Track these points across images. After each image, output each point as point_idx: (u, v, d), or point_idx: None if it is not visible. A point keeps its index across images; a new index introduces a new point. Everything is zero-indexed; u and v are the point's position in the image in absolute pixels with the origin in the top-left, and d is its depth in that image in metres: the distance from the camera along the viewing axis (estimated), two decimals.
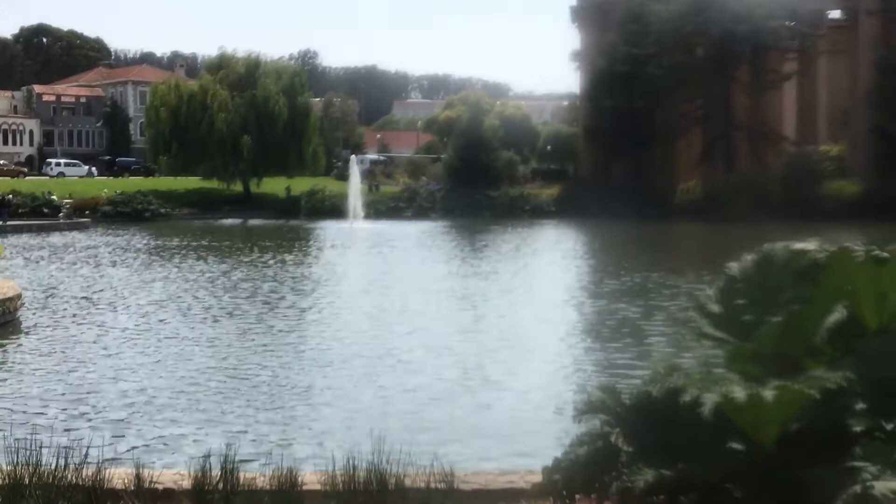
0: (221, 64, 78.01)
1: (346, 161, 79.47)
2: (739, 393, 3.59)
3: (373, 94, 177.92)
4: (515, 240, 49.00)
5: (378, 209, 66.99)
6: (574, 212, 65.12)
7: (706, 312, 4.51)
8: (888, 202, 56.80)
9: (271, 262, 34.96)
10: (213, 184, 74.43)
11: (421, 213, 69.15)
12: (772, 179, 65.79)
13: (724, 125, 71.01)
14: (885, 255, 4.16)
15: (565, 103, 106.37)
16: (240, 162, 71.80)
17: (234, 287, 26.95)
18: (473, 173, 71.53)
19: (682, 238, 54.86)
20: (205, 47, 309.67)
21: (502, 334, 19.36)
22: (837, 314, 4.30)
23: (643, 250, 42.81)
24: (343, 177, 75.46)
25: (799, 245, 4.46)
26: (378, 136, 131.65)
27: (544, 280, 31.65)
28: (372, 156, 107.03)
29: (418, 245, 44.89)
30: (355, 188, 65.29)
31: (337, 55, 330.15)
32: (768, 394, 3.56)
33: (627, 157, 72.50)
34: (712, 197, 65.52)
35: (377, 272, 32.89)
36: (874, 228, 41.93)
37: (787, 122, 75.54)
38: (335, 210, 65.83)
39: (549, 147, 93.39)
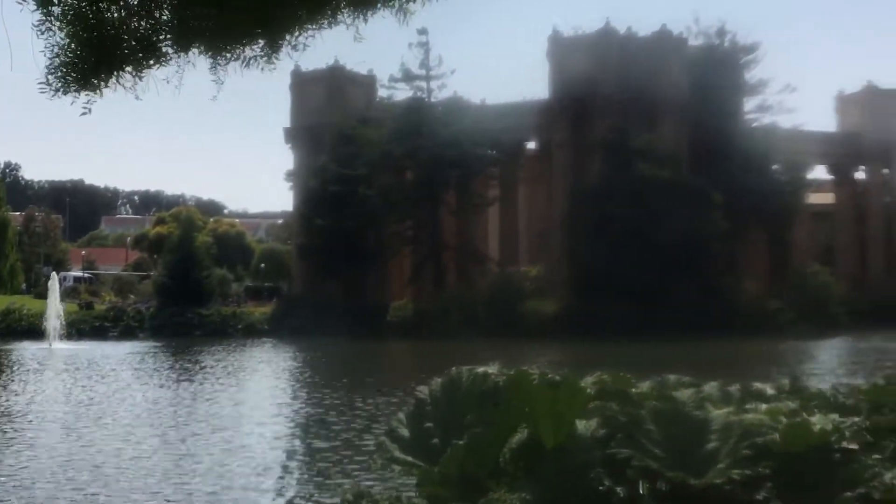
0: None
1: (47, 278, 75.26)
2: None
3: (80, 208, 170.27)
4: (218, 361, 47.09)
5: (81, 329, 63.74)
6: (287, 330, 64.71)
7: (396, 437, 4.57)
8: (582, 321, 60.42)
9: None
10: None
11: (128, 332, 66.41)
12: (478, 298, 68.55)
13: (433, 245, 73.72)
14: (559, 378, 4.44)
15: (280, 221, 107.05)
16: None
17: None
18: (184, 291, 69.78)
19: (389, 356, 55.58)
20: None
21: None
22: (519, 435, 4.49)
23: (347, 369, 42.93)
24: (43, 295, 71.29)
25: (482, 368, 4.66)
26: (84, 252, 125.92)
27: (231, 403, 30.69)
28: (76, 273, 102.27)
29: (114, 368, 42.42)
30: (55, 307, 61.72)
31: (42, 168, 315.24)
32: None
33: (340, 275, 73.44)
34: (423, 315, 67.36)
35: (61, 400, 30.92)
36: (570, 346, 44.34)
37: (492, 244, 79.61)
38: (33, 330, 61.99)
39: (263, 265, 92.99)
